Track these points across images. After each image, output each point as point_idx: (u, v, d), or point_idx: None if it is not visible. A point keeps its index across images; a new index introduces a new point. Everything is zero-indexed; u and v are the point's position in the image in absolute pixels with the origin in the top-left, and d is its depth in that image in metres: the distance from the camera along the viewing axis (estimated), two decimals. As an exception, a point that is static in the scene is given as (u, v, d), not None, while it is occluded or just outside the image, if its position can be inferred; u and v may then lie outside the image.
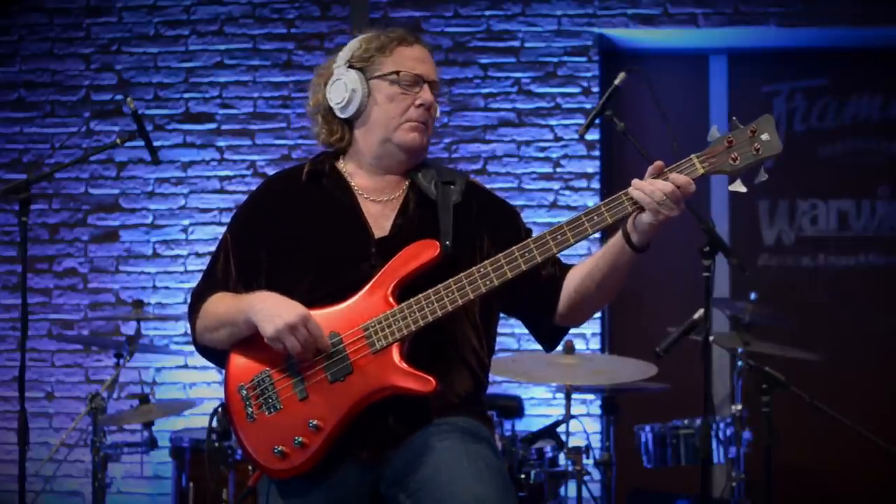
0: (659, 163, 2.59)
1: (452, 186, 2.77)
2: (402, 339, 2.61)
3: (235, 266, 2.80)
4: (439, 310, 2.59)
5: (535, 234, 2.71)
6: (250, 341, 2.68)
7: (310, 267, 2.71)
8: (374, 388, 2.60)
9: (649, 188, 2.54)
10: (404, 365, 2.59)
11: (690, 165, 2.58)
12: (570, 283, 2.76)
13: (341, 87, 2.76)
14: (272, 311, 2.58)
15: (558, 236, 2.60)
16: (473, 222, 2.77)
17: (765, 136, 2.56)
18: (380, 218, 2.75)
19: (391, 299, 2.62)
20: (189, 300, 2.85)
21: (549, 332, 2.86)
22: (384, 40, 2.77)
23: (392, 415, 2.64)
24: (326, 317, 2.64)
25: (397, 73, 2.73)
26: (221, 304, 2.75)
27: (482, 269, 2.60)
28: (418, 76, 2.75)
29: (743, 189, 2.56)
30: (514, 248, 2.61)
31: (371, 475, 2.66)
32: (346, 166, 2.84)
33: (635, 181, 2.57)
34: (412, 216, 2.75)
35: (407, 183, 2.80)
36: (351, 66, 2.76)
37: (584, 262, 2.76)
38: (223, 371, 2.77)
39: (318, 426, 2.60)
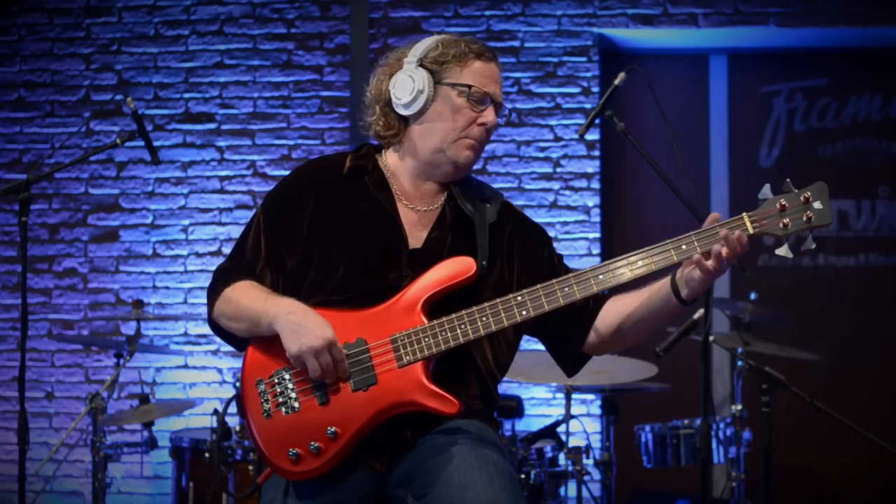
0: (715, 214, 2.57)
1: (489, 205, 2.76)
2: (430, 358, 2.58)
3: (266, 246, 2.73)
4: (472, 333, 2.57)
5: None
6: (272, 336, 2.62)
7: (341, 263, 2.67)
8: (397, 403, 2.57)
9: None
10: (430, 384, 2.57)
11: (741, 224, 2.55)
12: (607, 317, 2.75)
13: (409, 84, 2.70)
14: (299, 328, 2.54)
15: (601, 276, 2.58)
16: (506, 244, 2.76)
17: (817, 205, 2.53)
18: (415, 227, 2.72)
19: (422, 315, 2.60)
20: (212, 276, 2.76)
21: (574, 358, 2.83)
22: (463, 49, 2.71)
23: (410, 428, 2.62)
24: (353, 320, 2.61)
25: (469, 87, 2.69)
26: (246, 296, 2.66)
27: (519, 298, 2.58)
28: (488, 94, 2.71)
29: (790, 255, 2.53)
30: (553, 280, 2.59)
31: (380, 481, 2.64)
32: (388, 161, 2.78)
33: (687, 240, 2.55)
34: (447, 231, 2.72)
35: (446, 194, 2.77)
36: (422, 65, 2.71)
37: (625, 298, 2.73)
38: (240, 358, 2.71)
39: (336, 433, 2.57)
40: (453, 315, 2.58)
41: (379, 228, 2.70)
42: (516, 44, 5.90)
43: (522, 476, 4.38)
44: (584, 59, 5.87)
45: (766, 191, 2.55)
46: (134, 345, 5.02)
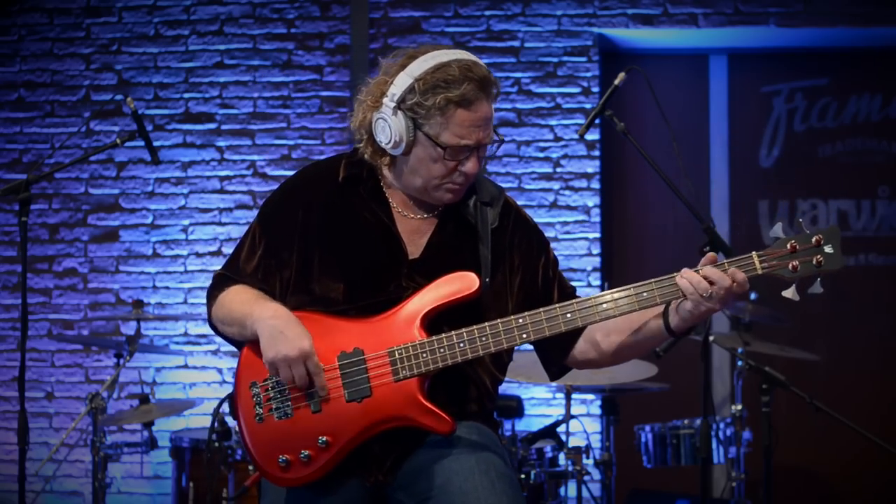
0: (712, 254, 2.50)
1: (490, 208, 2.69)
2: (427, 374, 2.55)
3: (260, 258, 2.70)
4: (470, 353, 2.54)
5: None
6: None
7: (340, 274, 2.64)
8: (390, 417, 2.55)
9: (696, 278, 2.46)
10: (426, 402, 2.54)
11: (750, 263, 2.49)
12: (593, 336, 2.69)
13: (387, 130, 2.57)
14: (279, 335, 2.52)
15: (604, 305, 2.52)
16: (507, 247, 2.71)
17: (829, 249, 2.45)
18: (414, 235, 2.67)
19: (421, 329, 2.56)
20: (210, 280, 2.76)
21: (558, 368, 2.81)
22: (441, 101, 2.52)
23: (408, 441, 2.59)
24: (352, 329, 2.59)
25: (445, 148, 2.55)
26: (237, 301, 2.65)
27: (520, 321, 2.54)
28: (468, 147, 2.57)
29: (796, 298, 2.47)
30: (556, 306, 2.54)
31: (379, 489, 2.63)
32: (384, 172, 2.71)
33: (685, 270, 2.48)
34: (448, 237, 2.68)
35: None
36: (400, 109, 2.56)
37: (614, 322, 2.63)
38: (236, 357, 2.69)
39: (327, 443, 2.55)
40: (453, 333, 2.54)
41: (376, 240, 2.66)
42: (516, 44, 5.90)
43: (522, 476, 4.38)
44: (584, 59, 5.87)
45: (778, 229, 2.48)
46: (134, 345, 5.02)
